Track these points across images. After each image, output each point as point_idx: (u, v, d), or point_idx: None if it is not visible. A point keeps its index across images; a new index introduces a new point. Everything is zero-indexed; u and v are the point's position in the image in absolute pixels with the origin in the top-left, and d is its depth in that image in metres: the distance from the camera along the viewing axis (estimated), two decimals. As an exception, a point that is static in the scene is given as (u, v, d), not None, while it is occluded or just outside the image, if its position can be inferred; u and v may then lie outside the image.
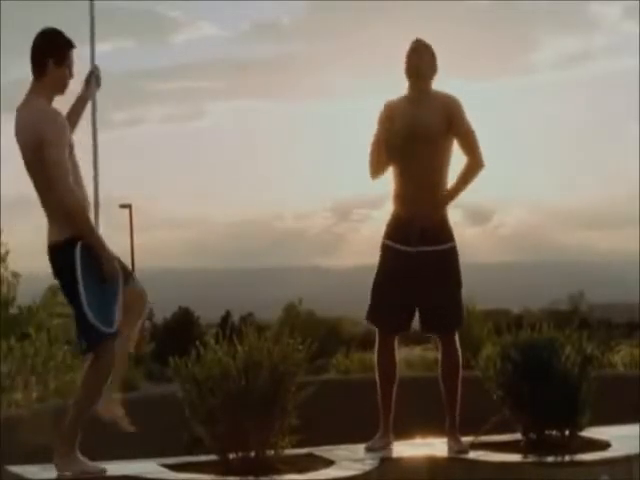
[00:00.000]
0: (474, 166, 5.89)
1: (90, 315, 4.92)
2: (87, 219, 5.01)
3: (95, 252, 4.96)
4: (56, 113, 5.05)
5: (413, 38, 5.92)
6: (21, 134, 5.03)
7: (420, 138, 5.77)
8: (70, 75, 5.15)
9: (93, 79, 5.47)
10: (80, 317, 4.97)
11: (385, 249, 5.93)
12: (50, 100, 5.10)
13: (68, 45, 5.13)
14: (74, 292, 4.94)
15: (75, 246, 4.94)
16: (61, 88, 5.15)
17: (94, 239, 5.00)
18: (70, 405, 5.13)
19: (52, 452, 5.05)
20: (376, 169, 5.94)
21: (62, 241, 4.99)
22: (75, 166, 5.08)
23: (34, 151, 4.95)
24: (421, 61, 5.86)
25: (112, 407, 5.23)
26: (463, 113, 5.87)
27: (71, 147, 5.06)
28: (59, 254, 5.01)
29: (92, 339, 5.00)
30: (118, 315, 5.00)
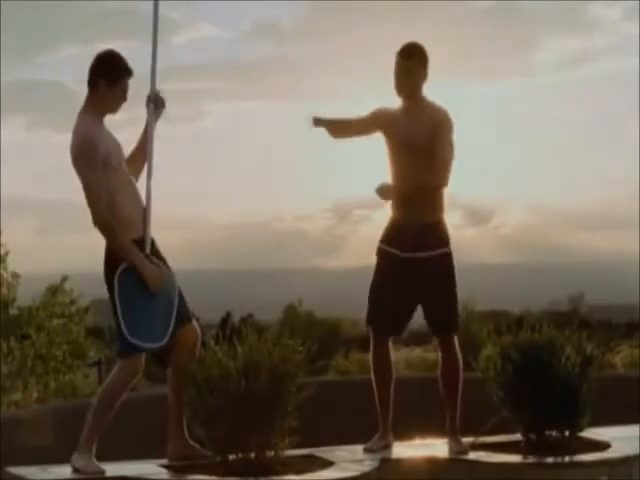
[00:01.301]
0: (431, 181, 5.78)
1: (126, 331, 5.04)
2: (114, 237, 5.08)
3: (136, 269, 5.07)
4: (87, 132, 5.08)
5: (401, 45, 5.82)
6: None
7: (414, 150, 5.77)
8: (123, 99, 5.25)
9: (151, 105, 5.42)
10: (117, 325, 5.10)
11: (380, 253, 5.96)
12: (98, 117, 5.19)
13: (124, 70, 5.25)
14: (114, 305, 5.08)
15: (117, 265, 5.07)
16: (112, 108, 5.26)
17: (128, 256, 5.08)
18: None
19: (52, 453, 5.08)
20: (340, 135, 6.04)
21: (106, 255, 5.14)
22: (124, 181, 5.18)
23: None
24: (411, 78, 5.80)
25: (182, 448, 5.38)
26: (448, 134, 5.79)
27: (110, 163, 5.10)
28: (104, 266, 5.15)
29: (123, 347, 5.12)
30: (166, 330, 5.11)
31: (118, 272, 5.06)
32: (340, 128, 6.07)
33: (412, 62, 5.82)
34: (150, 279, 5.08)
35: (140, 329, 5.06)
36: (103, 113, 5.23)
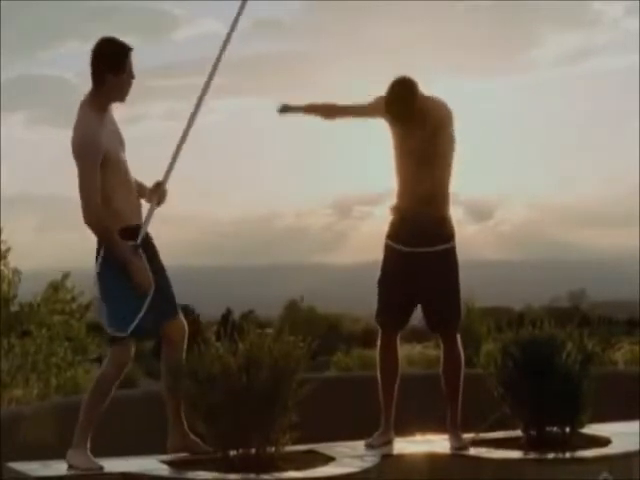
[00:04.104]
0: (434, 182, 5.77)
1: (106, 320, 5.07)
2: (104, 234, 5.05)
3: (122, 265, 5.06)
4: (88, 129, 5.01)
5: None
6: None
7: (414, 153, 5.78)
8: (130, 78, 5.17)
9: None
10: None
11: (386, 249, 5.98)
12: (101, 110, 5.11)
13: (125, 51, 5.13)
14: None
15: (99, 254, 5.08)
16: (120, 96, 5.18)
17: (115, 253, 5.06)
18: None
19: (53, 449, 5.07)
20: (334, 115, 6.11)
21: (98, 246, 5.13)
22: (121, 175, 5.14)
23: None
24: (409, 117, 5.74)
25: (182, 441, 5.39)
26: (448, 129, 5.78)
27: (109, 158, 5.05)
28: (96, 259, 5.13)
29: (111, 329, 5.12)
30: (136, 320, 5.08)
31: (98, 263, 5.08)
32: (337, 110, 6.10)
33: (401, 107, 5.74)
34: (139, 279, 5.07)
35: (117, 318, 5.08)
36: (110, 103, 5.17)
